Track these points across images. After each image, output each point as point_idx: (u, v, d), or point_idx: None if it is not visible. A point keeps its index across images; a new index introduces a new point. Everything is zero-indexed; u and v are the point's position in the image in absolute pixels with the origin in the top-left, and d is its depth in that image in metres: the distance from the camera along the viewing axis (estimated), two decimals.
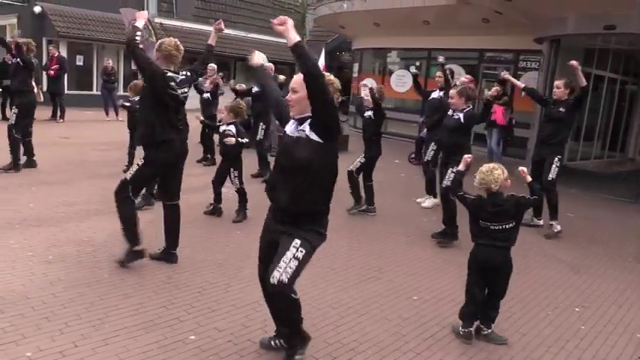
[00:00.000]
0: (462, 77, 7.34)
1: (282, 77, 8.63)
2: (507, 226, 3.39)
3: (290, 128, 2.80)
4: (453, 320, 3.61)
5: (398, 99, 15.52)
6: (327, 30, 20.10)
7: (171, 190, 4.41)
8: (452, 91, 5.68)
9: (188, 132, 4.48)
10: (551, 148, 6.12)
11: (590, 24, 8.98)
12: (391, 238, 5.63)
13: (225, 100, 7.81)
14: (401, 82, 15.30)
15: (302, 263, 2.72)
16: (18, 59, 7.21)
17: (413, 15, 13.21)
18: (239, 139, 5.63)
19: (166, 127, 4.12)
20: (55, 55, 13.48)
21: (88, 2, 17.17)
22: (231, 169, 5.78)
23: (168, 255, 4.38)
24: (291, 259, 2.68)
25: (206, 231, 5.33)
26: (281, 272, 2.66)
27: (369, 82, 6.54)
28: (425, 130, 8.05)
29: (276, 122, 9.63)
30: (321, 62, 12.29)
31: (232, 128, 5.69)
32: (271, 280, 2.67)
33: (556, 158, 6.07)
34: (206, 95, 8.81)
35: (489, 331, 3.50)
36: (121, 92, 15.58)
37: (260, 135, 7.93)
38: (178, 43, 4.23)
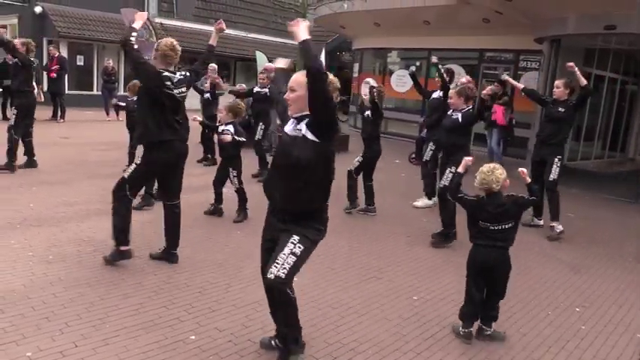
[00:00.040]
0: (461, 78, 7.33)
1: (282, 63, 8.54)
2: (506, 227, 3.39)
3: (289, 127, 2.82)
4: (454, 320, 3.61)
5: (398, 99, 15.52)
6: (327, 30, 20.10)
7: (172, 190, 4.41)
8: (451, 91, 5.67)
9: (188, 132, 4.47)
10: (551, 149, 6.12)
11: (590, 24, 8.98)
12: (391, 238, 5.62)
13: (226, 100, 7.81)
14: (401, 82, 15.30)
15: (300, 259, 2.73)
16: (16, 59, 7.21)
17: (413, 15, 13.21)
18: (236, 137, 5.62)
19: (163, 127, 4.10)
20: (56, 55, 13.49)
21: (88, 2, 17.18)
22: (230, 169, 5.78)
23: (168, 255, 4.38)
24: (288, 255, 2.70)
25: (206, 231, 5.33)
26: (278, 268, 2.68)
27: (372, 82, 6.53)
28: (425, 130, 8.05)
29: (277, 122, 9.71)
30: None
31: (230, 128, 5.68)
32: (268, 275, 2.70)
33: (556, 159, 6.07)
34: (206, 95, 8.82)
35: (491, 330, 3.50)
36: (121, 92, 15.58)
37: (258, 135, 7.94)
38: (175, 43, 4.22)
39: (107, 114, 14.10)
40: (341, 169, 7.14)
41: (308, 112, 2.67)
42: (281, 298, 2.78)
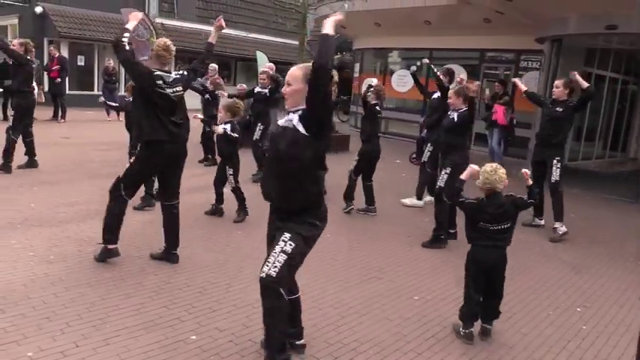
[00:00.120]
0: (460, 75, 7.33)
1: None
2: (505, 226, 3.41)
3: (281, 120, 2.81)
4: (454, 320, 3.61)
5: (399, 99, 15.52)
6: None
7: (169, 189, 4.38)
8: (450, 91, 5.68)
9: (188, 132, 4.42)
10: (551, 150, 6.10)
11: (591, 24, 8.98)
12: (392, 238, 5.62)
13: (226, 100, 7.81)
14: (402, 82, 15.29)
15: (292, 257, 2.69)
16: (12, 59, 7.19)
17: (414, 15, 13.21)
18: (227, 130, 5.60)
19: (156, 127, 4.07)
20: (56, 55, 13.49)
21: (89, 2, 17.19)
22: (227, 167, 5.76)
23: (169, 255, 4.37)
24: (279, 253, 2.68)
25: (207, 231, 5.33)
26: (269, 267, 2.67)
27: (373, 81, 6.53)
28: (425, 130, 8.04)
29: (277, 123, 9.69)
30: None
31: (228, 127, 5.67)
32: (260, 274, 2.69)
33: (555, 160, 6.05)
34: (206, 95, 8.80)
35: (492, 326, 3.53)
36: (122, 92, 15.58)
37: (257, 135, 7.91)
38: (168, 43, 4.22)
39: (108, 114, 14.10)
40: (341, 170, 7.17)
41: (304, 107, 2.64)
42: (271, 298, 2.70)
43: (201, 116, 6.58)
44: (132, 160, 4.18)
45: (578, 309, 4.16)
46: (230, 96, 8.16)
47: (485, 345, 3.44)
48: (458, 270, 4.32)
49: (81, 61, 17.72)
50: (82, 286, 3.73)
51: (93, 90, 17.69)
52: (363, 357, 3.15)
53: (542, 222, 6.45)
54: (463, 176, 3.53)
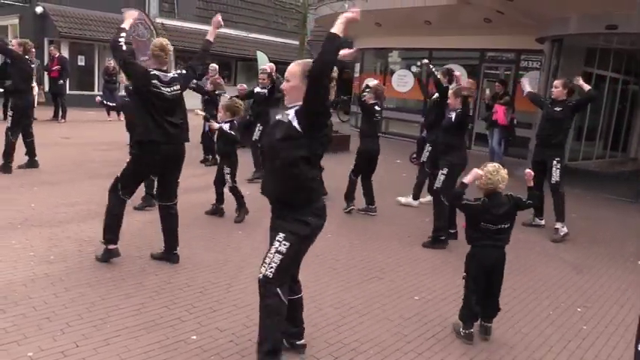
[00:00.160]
0: (455, 72, 7.31)
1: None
2: (505, 226, 3.42)
3: (278, 115, 2.81)
4: (455, 320, 3.60)
5: (399, 99, 15.51)
6: (328, 30, 20.04)
7: (167, 190, 4.37)
8: (449, 92, 5.68)
9: (186, 133, 4.35)
10: (551, 150, 6.09)
11: (591, 24, 8.97)
12: (393, 238, 5.62)
13: (226, 99, 7.81)
14: (402, 82, 15.28)
15: (287, 257, 2.69)
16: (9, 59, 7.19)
17: (414, 15, 13.20)
18: (224, 128, 5.57)
19: (152, 127, 4.04)
20: (56, 55, 13.49)
21: (89, 2, 17.19)
22: (224, 166, 5.75)
23: (169, 255, 4.37)
24: (274, 253, 2.69)
25: (207, 231, 5.33)
26: (266, 267, 2.68)
27: (372, 82, 6.53)
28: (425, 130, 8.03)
29: None
30: None
31: (227, 127, 5.67)
32: (258, 276, 2.70)
33: (555, 160, 6.05)
34: (206, 96, 8.80)
35: (492, 324, 3.53)
36: (122, 92, 15.58)
37: (256, 135, 7.91)
38: (165, 43, 4.21)
39: (108, 114, 14.10)
40: (341, 170, 7.17)
41: (301, 103, 2.64)
42: (268, 298, 2.70)
43: (202, 113, 6.55)
44: (127, 161, 4.17)
45: (579, 309, 4.16)
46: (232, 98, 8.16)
47: (485, 345, 3.44)
48: (458, 270, 4.31)
49: (81, 61, 17.72)
50: (82, 286, 3.73)
51: (93, 90, 17.68)
52: (363, 357, 3.15)
53: (543, 222, 6.44)
54: (467, 180, 3.46)
